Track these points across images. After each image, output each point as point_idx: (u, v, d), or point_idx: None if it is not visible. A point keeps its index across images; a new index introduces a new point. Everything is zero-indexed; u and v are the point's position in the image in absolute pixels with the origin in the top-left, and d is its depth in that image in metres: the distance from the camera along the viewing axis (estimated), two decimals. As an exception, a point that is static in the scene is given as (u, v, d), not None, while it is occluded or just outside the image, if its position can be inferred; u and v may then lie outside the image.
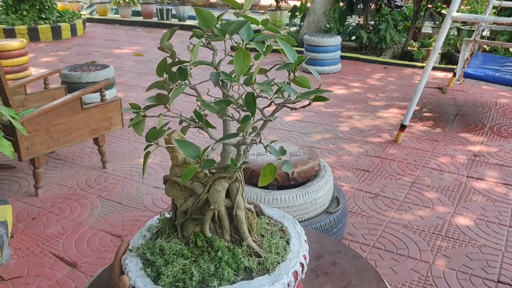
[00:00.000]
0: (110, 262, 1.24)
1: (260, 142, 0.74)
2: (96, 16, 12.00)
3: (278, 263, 0.86)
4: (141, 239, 0.94)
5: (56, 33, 8.79)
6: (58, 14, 9.13)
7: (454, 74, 5.43)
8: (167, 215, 0.97)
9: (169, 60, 0.82)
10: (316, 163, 2.26)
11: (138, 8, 11.67)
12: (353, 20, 8.60)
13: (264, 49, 0.76)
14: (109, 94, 4.34)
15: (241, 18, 0.78)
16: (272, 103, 0.78)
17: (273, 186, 2.20)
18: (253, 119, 0.71)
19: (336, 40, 6.28)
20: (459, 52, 6.82)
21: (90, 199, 2.96)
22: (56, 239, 2.53)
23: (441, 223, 2.70)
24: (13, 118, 2.13)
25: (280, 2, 10.83)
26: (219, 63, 0.78)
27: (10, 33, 8.26)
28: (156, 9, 11.14)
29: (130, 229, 2.62)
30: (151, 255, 0.86)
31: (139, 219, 2.72)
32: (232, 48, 0.76)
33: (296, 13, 8.44)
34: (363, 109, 4.85)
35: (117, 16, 11.84)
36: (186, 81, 0.79)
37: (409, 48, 7.37)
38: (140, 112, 0.73)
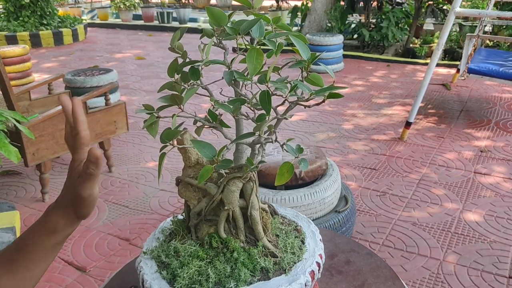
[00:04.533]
0: (120, 266, 1.23)
1: (276, 140, 0.73)
2: (97, 21, 12.03)
3: (295, 262, 0.85)
4: (154, 241, 0.93)
5: (58, 38, 8.81)
6: (59, 20, 9.15)
7: (458, 70, 5.41)
8: (180, 217, 0.96)
9: (180, 61, 0.81)
10: (324, 162, 2.25)
11: (139, 12, 11.69)
12: (354, 18, 8.59)
13: (276, 47, 0.75)
14: (113, 98, 4.34)
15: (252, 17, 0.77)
16: (286, 102, 0.77)
17: (281, 186, 2.19)
18: (268, 117, 0.70)
19: (338, 39, 6.27)
20: (461, 48, 6.80)
21: (97, 203, 2.95)
22: (64, 244, 2.52)
23: (450, 219, 2.68)
24: (19, 122, 2.13)
25: (281, 2, 10.82)
26: (231, 62, 0.77)
27: (12, 40, 8.28)
28: (157, 13, 11.15)
29: (138, 232, 2.61)
30: (166, 257, 0.86)
31: (146, 222, 2.71)
32: (234, 50, 0.75)
33: (297, 13, 8.43)
34: (367, 107, 4.83)
35: (118, 20, 11.86)
36: (198, 81, 0.78)
37: (411, 45, 7.34)
38: (154, 113, 0.72)
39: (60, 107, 2.84)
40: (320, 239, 0.93)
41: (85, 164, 0.68)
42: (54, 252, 0.75)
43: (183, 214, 0.94)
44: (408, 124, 3.85)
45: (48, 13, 8.86)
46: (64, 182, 0.74)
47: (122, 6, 11.35)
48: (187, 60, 0.80)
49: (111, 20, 12.18)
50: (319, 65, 0.80)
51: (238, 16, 0.81)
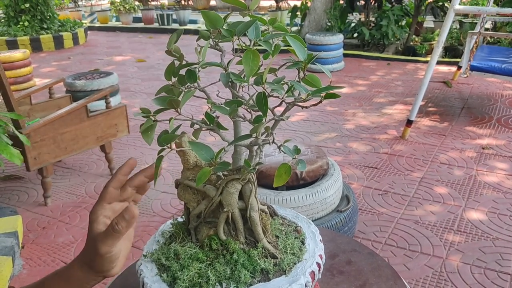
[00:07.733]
0: (122, 269, 1.23)
1: (273, 142, 0.73)
2: (97, 24, 12.05)
3: (295, 263, 0.85)
4: (154, 244, 0.93)
5: (58, 42, 8.83)
6: (59, 24, 9.18)
7: (459, 68, 5.40)
8: (180, 219, 0.96)
9: (177, 63, 0.81)
10: (325, 162, 2.25)
11: (139, 14, 11.71)
12: (354, 17, 8.59)
13: (272, 49, 0.75)
14: (114, 101, 4.34)
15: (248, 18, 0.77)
16: (283, 103, 0.77)
17: (282, 187, 2.19)
18: (265, 119, 0.70)
19: (338, 38, 6.27)
20: (462, 45, 6.80)
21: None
22: (67, 248, 2.53)
23: (452, 217, 2.67)
24: (17, 123, 2.13)
25: (280, 3, 10.83)
26: (228, 64, 0.77)
27: (12, 44, 8.30)
28: (157, 15, 11.17)
29: (140, 235, 2.61)
30: (166, 260, 0.86)
31: (148, 225, 2.71)
32: (236, 51, 0.75)
33: (297, 13, 8.43)
34: (368, 106, 4.83)
35: (118, 23, 11.89)
36: (195, 84, 0.78)
37: (411, 43, 7.34)
38: (151, 117, 0.72)
39: (60, 111, 2.84)
40: (320, 240, 0.92)
41: (116, 218, 0.64)
42: None
43: (183, 216, 0.94)
44: (409, 122, 3.85)
45: (48, 17, 8.88)
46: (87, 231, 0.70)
47: (122, 9, 11.38)
48: (184, 62, 0.80)
49: (111, 23, 12.21)
50: (316, 64, 0.79)
51: (235, 18, 0.81)
